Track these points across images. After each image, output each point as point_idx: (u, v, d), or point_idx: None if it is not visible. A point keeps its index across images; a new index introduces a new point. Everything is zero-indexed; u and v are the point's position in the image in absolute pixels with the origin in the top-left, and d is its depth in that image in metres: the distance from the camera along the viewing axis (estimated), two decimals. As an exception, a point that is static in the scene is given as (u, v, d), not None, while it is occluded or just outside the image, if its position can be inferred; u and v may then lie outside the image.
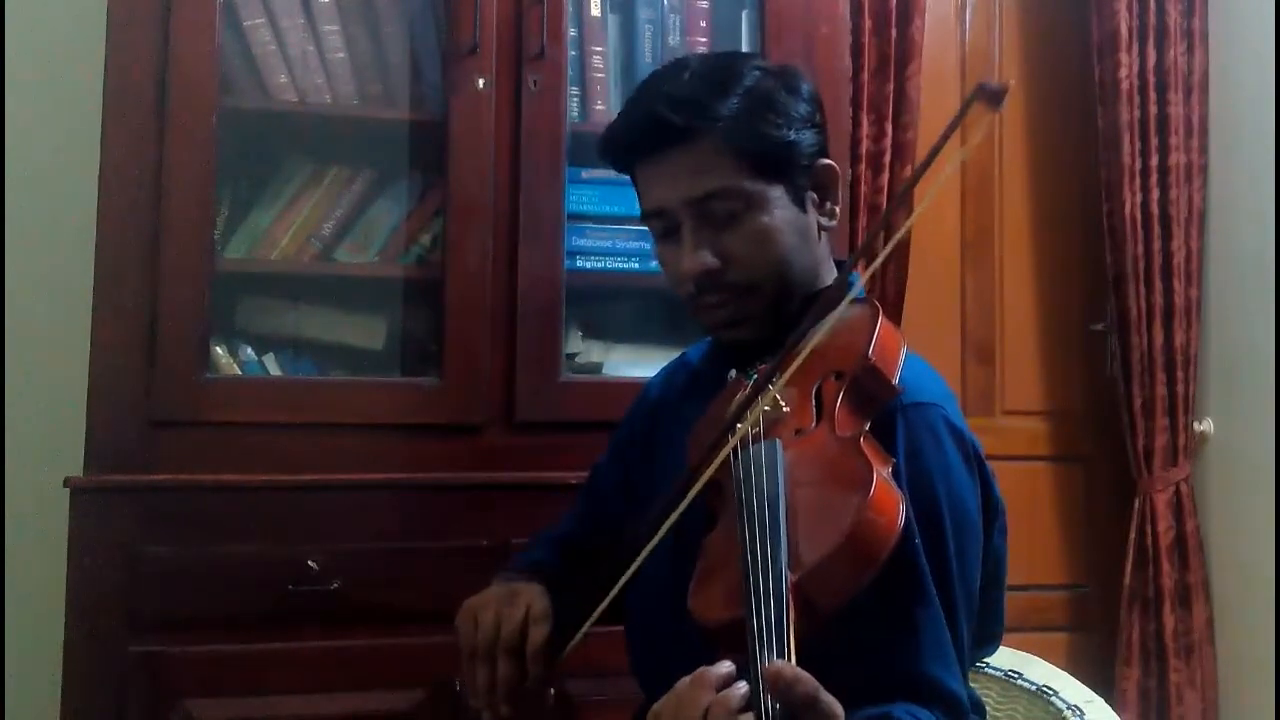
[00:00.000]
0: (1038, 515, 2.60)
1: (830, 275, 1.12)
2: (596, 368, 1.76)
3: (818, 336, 0.94)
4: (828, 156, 1.10)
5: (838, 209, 1.12)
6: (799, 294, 1.08)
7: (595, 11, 1.76)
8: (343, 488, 1.56)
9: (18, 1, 1.94)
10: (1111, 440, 2.58)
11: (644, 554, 0.94)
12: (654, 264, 1.74)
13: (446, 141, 1.64)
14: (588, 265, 1.73)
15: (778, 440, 0.92)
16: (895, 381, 0.95)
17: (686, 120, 1.02)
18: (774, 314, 1.06)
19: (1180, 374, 2.49)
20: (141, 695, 1.47)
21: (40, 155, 1.93)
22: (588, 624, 0.97)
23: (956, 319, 2.58)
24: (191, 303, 1.54)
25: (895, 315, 2.26)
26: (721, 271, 1.04)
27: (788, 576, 0.78)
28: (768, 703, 0.70)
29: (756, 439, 0.93)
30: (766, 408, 0.94)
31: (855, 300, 1.03)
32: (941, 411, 0.99)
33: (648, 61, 1.80)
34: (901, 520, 0.82)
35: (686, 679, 0.76)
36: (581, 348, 1.76)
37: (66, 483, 1.47)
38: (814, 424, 0.94)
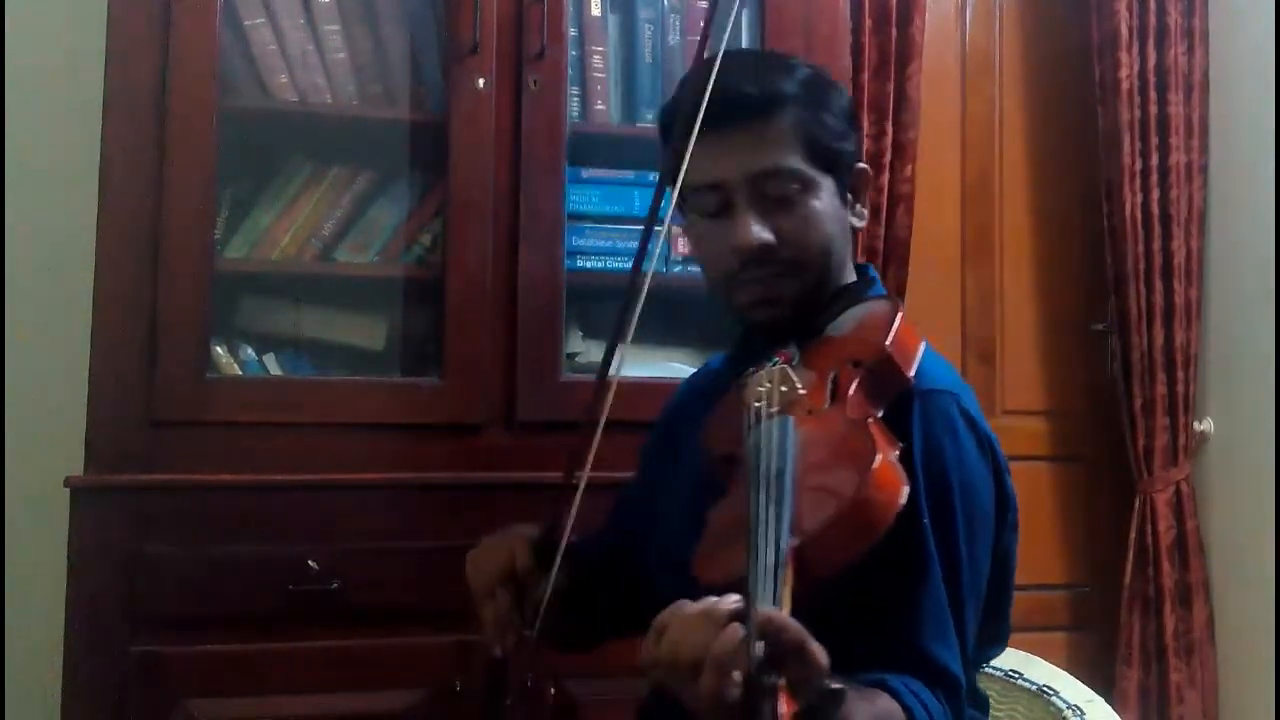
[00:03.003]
0: (1038, 515, 2.60)
1: (852, 275, 1.16)
2: (597, 368, 1.75)
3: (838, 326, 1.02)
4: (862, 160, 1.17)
5: (866, 212, 1.18)
6: (831, 285, 1.11)
7: (595, 11, 1.76)
8: (343, 488, 1.56)
9: (18, 1, 1.94)
10: (1112, 440, 2.58)
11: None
12: (654, 263, 1.75)
13: (446, 141, 1.63)
14: (588, 265, 1.73)
15: (790, 417, 0.94)
16: (910, 373, 0.99)
17: (764, 94, 1.05)
18: (805, 301, 1.09)
19: (1180, 374, 2.49)
20: (141, 695, 1.47)
21: (40, 155, 1.92)
22: (563, 543, 1.04)
23: (956, 319, 2.58)
24: (191, 303, 1.54)
25: (895, 315, 2.26)
26: (772, 249, 1.06)
27: (788, 540, 0.81)
28: (757, 647, 0.72)
29: (772, 415, 0.95)
30: (783, 388, 0.98)
31: (877, 297, 1.10)
32: (956, 399, 1.02)
33: (648, 62, 1.80)
34: (902, 498, 0.84)
35: (697, 605, 0.78)
36: (581, 348, 1.76)
37: (66, 483, 1.46)
38: (826, 406, 0.97)
